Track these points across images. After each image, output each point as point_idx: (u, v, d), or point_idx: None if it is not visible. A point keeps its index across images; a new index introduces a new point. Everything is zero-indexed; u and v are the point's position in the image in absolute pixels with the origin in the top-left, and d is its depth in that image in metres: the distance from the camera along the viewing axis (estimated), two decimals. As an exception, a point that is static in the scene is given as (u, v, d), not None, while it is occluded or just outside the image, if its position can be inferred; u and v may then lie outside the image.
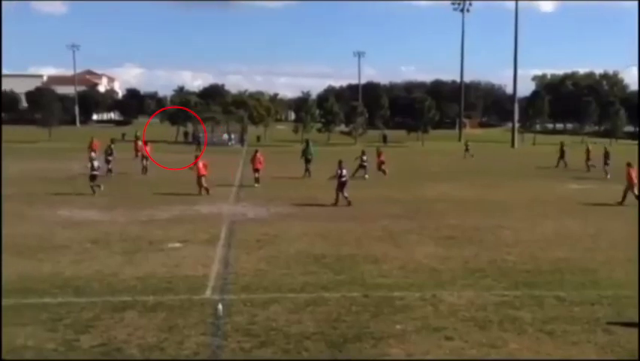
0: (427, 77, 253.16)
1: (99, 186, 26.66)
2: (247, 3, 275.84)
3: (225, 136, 77.03)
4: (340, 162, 24.83)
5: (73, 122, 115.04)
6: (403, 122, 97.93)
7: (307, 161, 34.94)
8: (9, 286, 12.30)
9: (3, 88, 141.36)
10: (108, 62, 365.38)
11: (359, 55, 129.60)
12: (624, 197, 25.32)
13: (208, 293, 12.20)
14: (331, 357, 9.25)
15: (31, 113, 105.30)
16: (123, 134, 74.57)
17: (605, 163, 37.90)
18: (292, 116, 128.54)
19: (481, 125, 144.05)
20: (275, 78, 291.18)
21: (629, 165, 26.09)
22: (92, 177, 26.54)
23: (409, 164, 46.58)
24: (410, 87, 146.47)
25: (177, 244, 16.63)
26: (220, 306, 11.04)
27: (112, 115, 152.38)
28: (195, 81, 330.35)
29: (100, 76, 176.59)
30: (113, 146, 35.94)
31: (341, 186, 24.25)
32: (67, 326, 10.20)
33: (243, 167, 40.19)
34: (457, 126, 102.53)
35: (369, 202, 25.51)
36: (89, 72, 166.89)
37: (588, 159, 41.55)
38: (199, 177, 26.90)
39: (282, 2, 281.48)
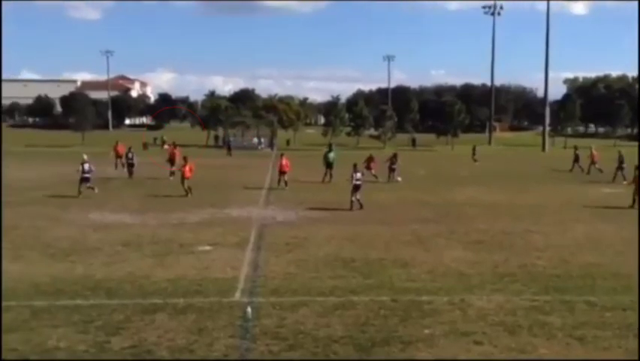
0: (456, 80, 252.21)
1: (93, 188, 27.10)
2: (278, 8, 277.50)
3: (255, 140, 77.58)
4: (355, 166, 25.00)
5: (106, 127, 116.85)
6: (433, 125, 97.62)
7: (329, 165, 34.82)
8: (42, 288, 12.55)
9: (38, 93, 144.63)
10: (141, 68, 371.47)
11: (388, 59, 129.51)
12: (634, 200, 25.03)
13: (237, 296, 12.28)
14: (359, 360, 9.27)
15: (66, 117, 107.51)
16: (155, 139, 75.49)
17: (620, 168, 36.44)
18: (321, 120, 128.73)
19: (512, 128, 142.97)
20: (305, 82, 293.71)
21: (637, 168, 25.73)
22: (83, 180, 26.97)
23: (438, 167, 46.44)
24: (440, 91, 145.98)
25: (207, 247, 16.78)
26: (249, 309, 11.11)
27: (144, 119, 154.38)
28: (226, 86, 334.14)
29: (132, 81, 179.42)
30: (132, 150, 37.00)
31: (355, 189, 24.26)
32: (99, 328, 10.33)
33: (272, 171, 40.41)
34: (488, 130, 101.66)
35: (397, 206, 25.50)
36: (122, 77, 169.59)
37: (593, 162, 40.96)
38: (183, 179, 27.81)
39: (311, 7, 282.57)
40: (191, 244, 17.07)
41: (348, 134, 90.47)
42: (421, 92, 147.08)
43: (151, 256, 15.72)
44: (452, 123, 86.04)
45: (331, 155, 35.15)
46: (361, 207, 23.82)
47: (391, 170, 35.10)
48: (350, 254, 16.06)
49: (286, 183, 31.00)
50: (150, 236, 18.24)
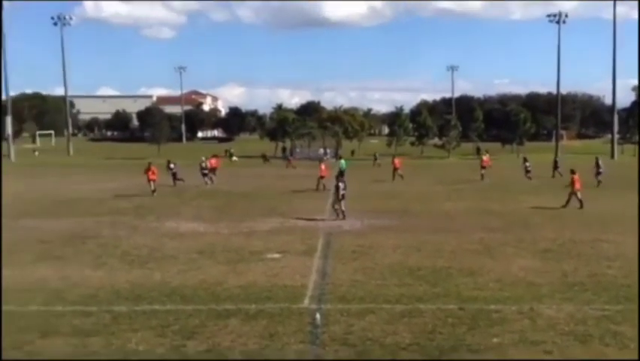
0: (521, 89, 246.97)
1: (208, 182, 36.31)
2: (342, 22, 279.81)
3: (321, 150, 78.26)
4: (338, 177, 25.26)
5: (179, 140, 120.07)
6: (498, 134, 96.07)
7: (341, 174, 36.16)
8: (122, 294, 13.10)
9: (116, 108, 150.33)
10: (212, 83, 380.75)
11: (452, 69, 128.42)
12: None
13: (306, 302, 12.50)
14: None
15: (142, 131, 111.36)
16: (226, 151, 77.20)
17: None
18: (385, 130, 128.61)
19: (579, 136, 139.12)
20: (369, 94, 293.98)
21: None
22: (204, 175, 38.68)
23: (504, 176, 45.65)
24: (505, 100, 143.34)
25: (276, 255, 17.14)
26: (318, 315, 11.35)
27: (215, 132, 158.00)
28: (293, 99, 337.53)
29: (205, 95, 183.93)
30: (172, 163, 40.63)
31: (340, 198, 24.10)
32: (175, 332, 10.67)
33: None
34: (554, 138, 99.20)
35: (464, 215, 25.38)
36: (195, 92, 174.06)
37: (598, 172, 39.39)
38: (149, 180, 33.19)
39: (375, 20, 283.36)
40: (261, 252, 17.48)
41: (412, 143, 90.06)
42: (485, 101, 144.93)
43: (223, 263, 16.19)
44: (517, 132, 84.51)
45: (343, 163, 38.65)
46: (344, 217, 23.65)
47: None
48: (416, 262, 16.11)
49: (324, 186, 34.20)
50: (222, 244, 18.78)
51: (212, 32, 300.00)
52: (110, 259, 16.81)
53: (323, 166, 36.39)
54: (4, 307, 11.98)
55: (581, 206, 26.98)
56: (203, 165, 40.40)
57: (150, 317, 11.50)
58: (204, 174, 39.87)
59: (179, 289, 13.47)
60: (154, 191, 32.86)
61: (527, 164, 44.57)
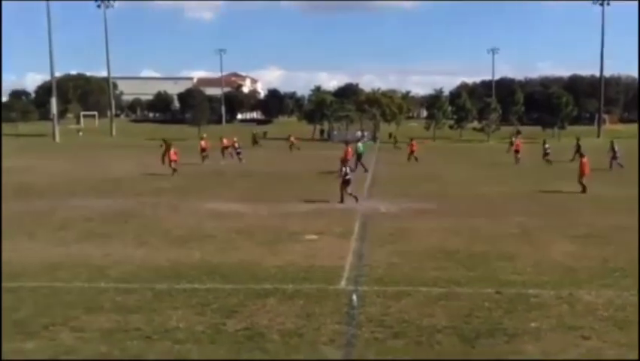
0: (564, 72, 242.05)
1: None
2: (381, 4, 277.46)
3: (358, 133, 78.15)
4: (342, 161, 25.01)
5: (219, 121, 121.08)
6: (539, 118, 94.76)
7: (358, 156, 37.88)
8: (163, 272, 13.38)
9: (158, 90, 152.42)
10: (252, 65, 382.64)
11: (493, 51, 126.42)
12: None
13: (343, 284, 12.60)
14: (463, 352, 9.35)
15: (183, 113, 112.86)
16: (265, 132, 77.72)
17: None
18: (424, 113, 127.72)
19: (622, 120, 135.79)
20: (407, 76, 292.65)
21: None
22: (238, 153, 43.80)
23: (540, 160, 44.89)
24: (546, 82, 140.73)
25: (314, 236, 17.28)
26: (355, 296, 11.47)
27: (254, 114, 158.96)
28: (331, 81, 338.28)
29: (244, 78, 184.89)
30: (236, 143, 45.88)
31: (345, 183, 23.91)
32: (215, 311, 10.85)
33: (374, 164, 40.78)
34: (596, 122, 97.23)
35: (501, 198, 25.18)
36: (235, 74, 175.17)
37: (614, 157, 38.83)
38: (170, 161, 34.58)
39: (415, 2, 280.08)
40: (299, 233, 17.63)
41: (451, 127, 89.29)
42: (526, 83, 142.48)
43: (262, 243, 16.39)
44: (559, 115, 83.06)
45: (360, 146, 38.94)
46: (356, 200, 23.44)
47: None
48: (453, 246, 16.07)
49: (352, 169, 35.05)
50: (261, 225, 19.01)
51: (253, 14, 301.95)
52: (152, 237, 17.16)
53: (349, 149, 36.65)
54: (52, 283, 12.43)
55: (583, 190, 26.73)
56: (237, 144, 45.01)
57: (190, 295, 11.70)
58: (238, 153, 44.31)
59: (218, 268, 13.68)
60: (175, 171, 33.81)
61: (547, 146, 44.40)
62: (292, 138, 63.12)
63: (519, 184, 30.04)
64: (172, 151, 35.28)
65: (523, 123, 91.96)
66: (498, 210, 22.26)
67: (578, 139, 46.33)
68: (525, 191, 27.59)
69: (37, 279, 12.80)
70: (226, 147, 46.90)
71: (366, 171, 36.06)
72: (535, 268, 13.98)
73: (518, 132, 78.71)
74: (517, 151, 44.49)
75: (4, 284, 12.26)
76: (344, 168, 24.33)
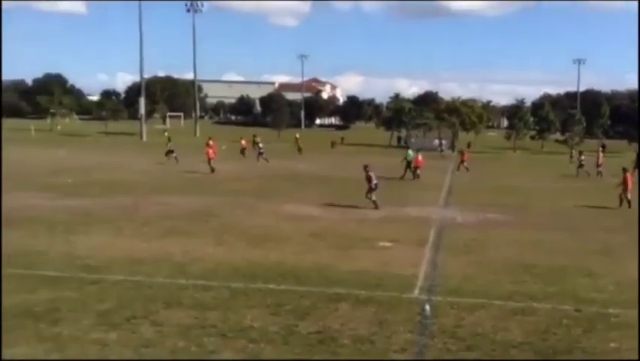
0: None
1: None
2: (464, 11, 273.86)
3: (436, 141, 77.29)
4: (366, 167, 24.68)
5: (298, 126, 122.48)
6: (625, 131, 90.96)
7: (408, 164, 38.23)
8: (239, 271, 13.66)
9: (241, 93, 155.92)
10: (332, 71, 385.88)
11: (579, 62, 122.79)
12: None
13: (416, 293, 12.51)
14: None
15: (264, 116, 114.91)
16: (342, 138, 78.12)
17: None
18: (505, 123, 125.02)
19: None
20: (489, 85, 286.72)
21: None
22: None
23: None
24: (634, 95, 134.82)
25: (388, 243, 17.25)
26: (428, 306, 11.38)
27: (332, 120, 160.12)
28: (411, 88, 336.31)
29: (324, 83, 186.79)
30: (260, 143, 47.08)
31: (370, 190, 23.91)
32: (289, 312, 10.97)
33: (451, 173, 40.29)
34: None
35: (582, 213, 24.49)
36: (315, 80, 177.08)
37: (598, 164, 40.99)
38: (209, 160, 36.90)
39: (498, 10, 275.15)
40: (373, 240, 17.63)
41: (532, 137, 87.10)
42: (613, 96, 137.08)
43: (336, 247, 16.51)
44: (645, 129, 79.64)
45: (410, 153, 39.62)
46: (376, 206, 23.42)
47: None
48: (532, 260, 15.71)
49: (418, 176, 36.47)
50: (335, 229, 19.15)
51: (335, 21, 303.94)
52: (230, 237, 17.58)
53: (420, 157, 38.06)
54: (134, 277, 12.94)
55: (629, 206, 26.10)
56: (261, 145, 46.39)
57: (265, 295, 11.89)
58: (260, 153, 45.46)
59: (293, 270, 13.86)
60: (213, 170, 35.69)
61: (582, 157, 44.71)
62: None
63: (601, 198, 28.99)
64: (209, 150, 37.75)
65: (608, 137, 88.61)
66: (579, 224, 21.64)
67: (638, 153, 45.40)
68: (607, 205, 26.61)
69: (121, 272, 13.37)
70: (244, 148, 49.02)
71: (415, 178, 36.60)
72: (617, 286, 13.51)
73: (603, 146, 76.05)
74: (599, 165, 43.64)
75: (90, 276, 12.89)
76: (370, 174, 24.38)
